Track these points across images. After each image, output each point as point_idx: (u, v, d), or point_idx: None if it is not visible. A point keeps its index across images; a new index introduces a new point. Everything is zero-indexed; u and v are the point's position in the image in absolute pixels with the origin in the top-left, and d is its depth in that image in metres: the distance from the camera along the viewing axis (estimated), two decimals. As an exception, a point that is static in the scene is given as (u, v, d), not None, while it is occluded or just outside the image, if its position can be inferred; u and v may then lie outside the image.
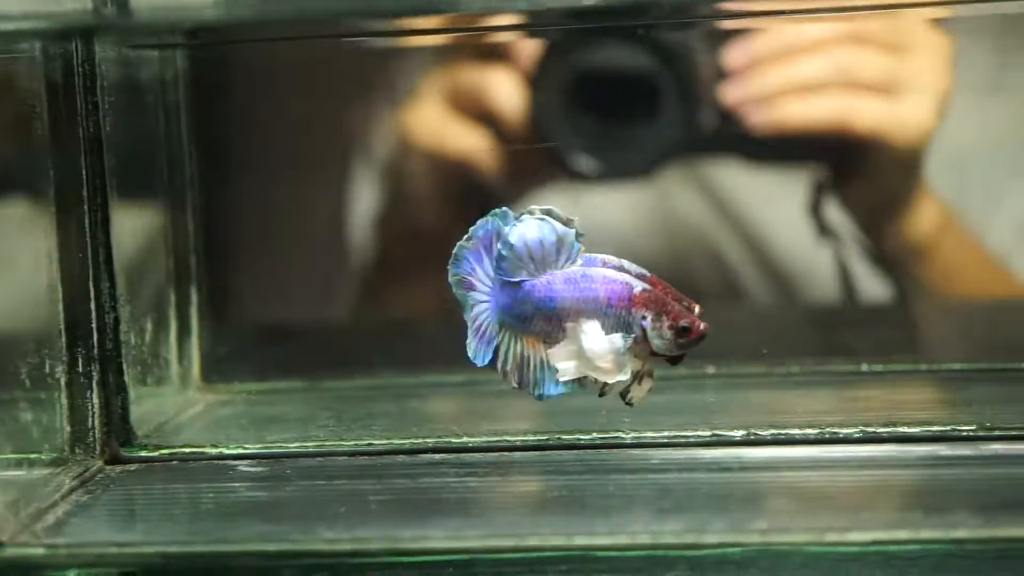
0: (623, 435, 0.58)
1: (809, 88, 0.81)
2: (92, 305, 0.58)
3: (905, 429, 0.56)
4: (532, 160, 0.84)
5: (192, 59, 0.68)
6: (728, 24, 0.80)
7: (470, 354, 0.54)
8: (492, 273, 0.54)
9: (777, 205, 0.91)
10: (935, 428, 0.56)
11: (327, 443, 0.58)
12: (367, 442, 0.58)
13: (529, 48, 0.82)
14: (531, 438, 0.58)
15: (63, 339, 0.57)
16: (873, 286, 0.90)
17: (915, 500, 0.49)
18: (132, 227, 0.62)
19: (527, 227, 0.53)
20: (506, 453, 0.57)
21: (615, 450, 0.57)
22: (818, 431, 0.57)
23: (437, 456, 0.57)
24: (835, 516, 0.48)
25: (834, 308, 0.91)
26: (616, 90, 0.80)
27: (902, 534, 0.45)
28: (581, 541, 0.46)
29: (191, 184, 0.68)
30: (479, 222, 0.54)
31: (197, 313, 0.68)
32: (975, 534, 0.44)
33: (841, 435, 0.56)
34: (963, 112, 0.83)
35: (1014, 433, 0.55)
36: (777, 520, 0.47)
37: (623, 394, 0.54)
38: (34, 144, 0.56)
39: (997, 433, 0.55)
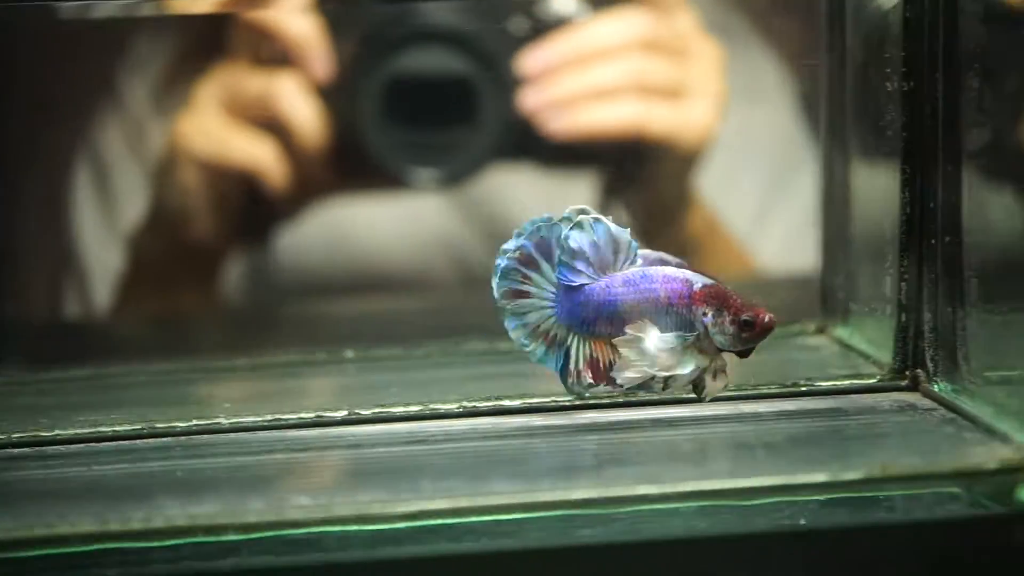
0: (222, 420, 0.55)
1: (603, 94, 0.81)
2: None
3: (506, 403, 0.55)
4: (321, 169, 0.81)
5: None
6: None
7: (538, 359, 0.53)
8: (554, 279, 0.52)
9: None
10: (534, 400, 0.55)
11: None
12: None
13: (323, 50, 0.79)
14: (123, 428, 0.55)
15: None
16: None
17: (463, 470, 0.48)
18: None
19: (584, 230, 0.51)
20: (94, 444, 0.54)
21: (213, 435, 0.55)
22: (420, 407, 0.55)
23: (16, 451, 0.54)
24: (394, 489, 0.46)
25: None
26: (424, 95, 0.78)
27: (441, 503, 0.44)
28: (114, 527, 0.44)
29: None
30: (528, 230, 0.52)
31: None
32: (511, 500, 0.43)
33: (441, 410, 0.55)
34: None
35: (606, 402, 0.55)
36: (325, 496, 0.45)
37: (696, 390, 0.52)
38: None
39: (592, 402, 0.55)
